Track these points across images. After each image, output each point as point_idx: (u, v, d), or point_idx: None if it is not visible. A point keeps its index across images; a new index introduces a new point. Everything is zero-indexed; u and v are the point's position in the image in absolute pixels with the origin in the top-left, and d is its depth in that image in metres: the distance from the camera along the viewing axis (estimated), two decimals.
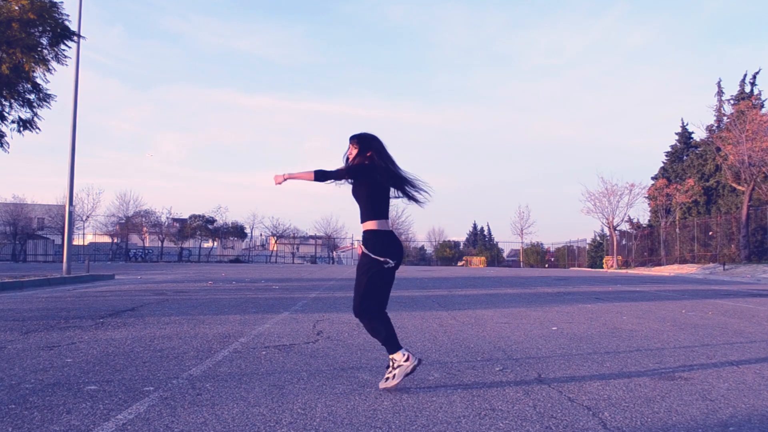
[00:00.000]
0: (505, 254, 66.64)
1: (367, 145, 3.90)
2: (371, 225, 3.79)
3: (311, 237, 64.81)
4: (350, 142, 3.94)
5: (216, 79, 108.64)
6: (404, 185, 3.97)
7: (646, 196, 43.12)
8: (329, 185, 3.88)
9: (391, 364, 3.77)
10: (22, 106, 15.72)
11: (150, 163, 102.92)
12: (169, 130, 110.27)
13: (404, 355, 3.73)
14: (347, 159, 3.96)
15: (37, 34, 14.94)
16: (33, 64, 14.77)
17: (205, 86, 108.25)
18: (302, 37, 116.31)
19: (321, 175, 3.74)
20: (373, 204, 3.83)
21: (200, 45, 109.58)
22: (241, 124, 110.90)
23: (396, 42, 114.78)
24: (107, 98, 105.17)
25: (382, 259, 3.71)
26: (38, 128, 16.09)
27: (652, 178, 45.87)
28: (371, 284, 3.73)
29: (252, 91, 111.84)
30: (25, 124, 15.87)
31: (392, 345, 3.77)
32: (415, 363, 3.72)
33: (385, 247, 3.75)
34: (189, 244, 57.46)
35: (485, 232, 79.53)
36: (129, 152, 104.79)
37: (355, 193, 3.89)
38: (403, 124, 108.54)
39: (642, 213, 49.10)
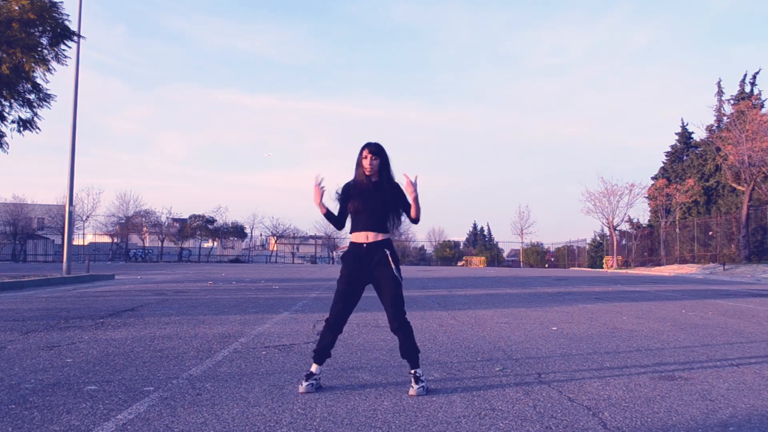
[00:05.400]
0: (505, 254, 66.63)
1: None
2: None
3: (311, 237, 64.77)
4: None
5: (218, 79, 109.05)
6: None
7: (646, 196, 43.13)
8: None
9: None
10: (22, 106, 15.70)
11: (151, 163, 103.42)
12: (171, 129, 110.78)
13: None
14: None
15: (37, 34, 14.93)
16: (33, 64, 14.76)
17: (207, 86, 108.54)
18: (305, 36, 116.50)
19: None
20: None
21: (202, 45, 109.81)
22: (244, 124, 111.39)
23: (399, 41, 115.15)
24: (109, 98, 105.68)
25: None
26: (38, 128, 16.07)
27: (652, 178, 45.85)
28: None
29: (255, 91, 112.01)
30: (25, 124, 15.84)
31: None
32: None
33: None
34: (189, 244, 57.44)
35: (485, 232, 79.55)
36: (130, 152, 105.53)
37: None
38: (405, 124, 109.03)
39: (642, 213, 49.14)
